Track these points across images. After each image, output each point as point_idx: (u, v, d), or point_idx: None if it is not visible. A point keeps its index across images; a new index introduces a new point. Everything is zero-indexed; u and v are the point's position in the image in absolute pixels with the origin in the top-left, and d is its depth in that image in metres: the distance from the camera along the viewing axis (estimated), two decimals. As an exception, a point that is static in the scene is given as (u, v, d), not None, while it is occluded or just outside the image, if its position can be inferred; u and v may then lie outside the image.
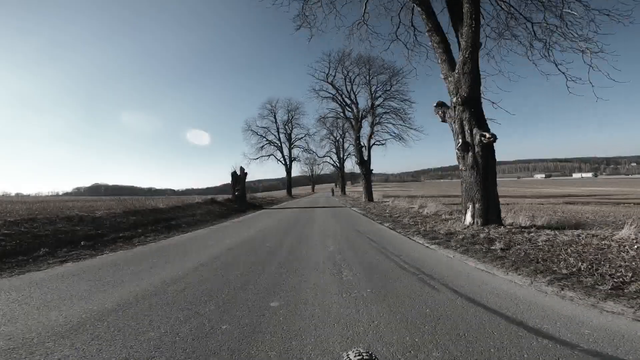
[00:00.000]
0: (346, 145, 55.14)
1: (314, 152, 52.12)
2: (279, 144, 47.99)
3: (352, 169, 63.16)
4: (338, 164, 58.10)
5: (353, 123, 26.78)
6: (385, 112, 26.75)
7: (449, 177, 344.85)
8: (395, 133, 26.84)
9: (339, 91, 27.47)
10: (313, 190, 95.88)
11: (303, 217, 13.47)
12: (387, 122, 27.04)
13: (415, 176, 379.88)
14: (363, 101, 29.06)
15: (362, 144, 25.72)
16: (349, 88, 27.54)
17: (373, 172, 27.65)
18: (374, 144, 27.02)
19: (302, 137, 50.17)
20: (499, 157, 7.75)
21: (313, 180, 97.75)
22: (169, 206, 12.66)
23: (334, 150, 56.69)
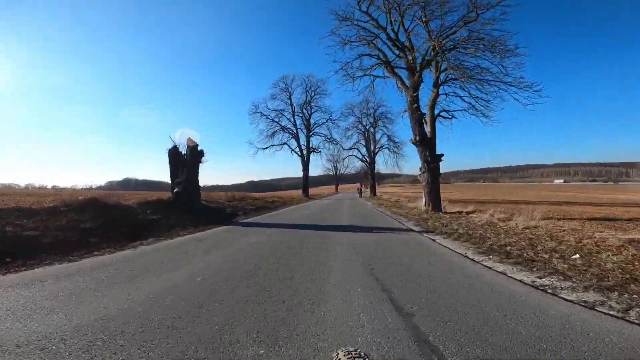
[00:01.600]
0: (378, 135, 43.92)
1: (338, 142, 41.45)
2: (295, 131, 37.76)
3: (380, 169, 51.46)
4: (367, 159, 47.02)
5: (405, 78, 15.72)
6: (455, 65, 15.42)
7: (480, 179, 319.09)
8: (477, 99, 15.39)
9: (382, 27, 16.48)
10: (337, 190, 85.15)
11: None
12: (465, 82, 15.64)
13: (445, 178, 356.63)
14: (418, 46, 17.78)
15: (422, 112, 14.65)
16: (396, 26, 16.49)
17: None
18: (438, 114, 15.79)
19: (323, 123, 39.68)
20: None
21: (337, 178, 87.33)
22: None
23: (362, 142, 45.75)
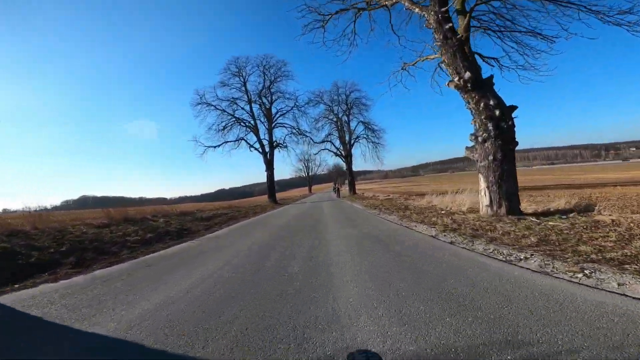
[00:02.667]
0: (353, 124, 37.62)
1: (307, 134, 34.27)
2: (253, 123, 30.21)
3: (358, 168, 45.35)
4: (342, 152, 40.44)
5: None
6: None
7: (448, 170, 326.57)
8: (529, 34, 9.15)
9: None
10: (310, 191, 78.48)
11: None
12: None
13: (414, 171, 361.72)
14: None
15: (460, 36, 8.06)
16: None
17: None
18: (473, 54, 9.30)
19: (288, 111, 32.48)
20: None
21: (309, 179, 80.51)
22: None
23: (335, 133, 39.10)
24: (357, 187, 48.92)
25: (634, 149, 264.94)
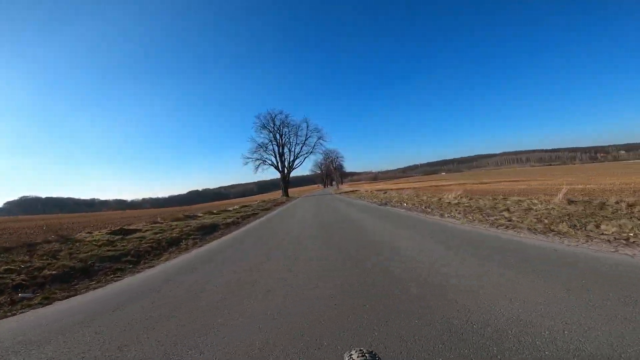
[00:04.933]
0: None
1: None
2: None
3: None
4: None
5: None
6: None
7: (439, 171, 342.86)
8: None
9: None
10: (287, 193, 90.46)
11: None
12: None
13: (405, 172, 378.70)
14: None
15: None
16: None
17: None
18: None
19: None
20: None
21: (284, 176, 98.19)
22: None
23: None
24: (352, 186, 71.37)
25: (623, 151, 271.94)
